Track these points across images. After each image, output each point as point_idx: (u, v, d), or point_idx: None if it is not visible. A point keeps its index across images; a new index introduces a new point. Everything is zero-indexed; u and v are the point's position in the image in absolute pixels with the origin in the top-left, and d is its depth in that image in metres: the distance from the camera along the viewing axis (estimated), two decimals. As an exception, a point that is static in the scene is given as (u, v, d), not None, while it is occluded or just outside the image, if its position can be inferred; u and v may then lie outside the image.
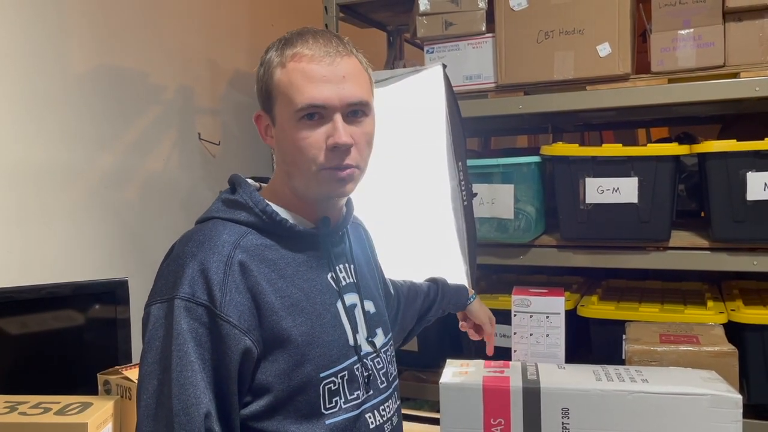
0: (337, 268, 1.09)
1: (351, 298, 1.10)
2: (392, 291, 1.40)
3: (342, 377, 1.03)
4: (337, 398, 1.02)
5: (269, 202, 1.04)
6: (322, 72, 0.99)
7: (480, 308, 1.58)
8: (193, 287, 0.94)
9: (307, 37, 1.01)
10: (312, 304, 1.02)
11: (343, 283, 1.09)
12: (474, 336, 1.60)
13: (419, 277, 1.58)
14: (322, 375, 1.00)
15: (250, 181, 1.10)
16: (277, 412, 0.98)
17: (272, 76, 1.02)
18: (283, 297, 0.99)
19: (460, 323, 1.61)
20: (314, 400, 0.99)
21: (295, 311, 0.99)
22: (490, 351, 1.59)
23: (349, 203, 1.17)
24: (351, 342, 1.06)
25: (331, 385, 1.02)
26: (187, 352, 0.92)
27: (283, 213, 1.05)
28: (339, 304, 1.07)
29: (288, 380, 0.97)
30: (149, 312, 0.97)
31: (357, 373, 1.06)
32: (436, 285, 1.52)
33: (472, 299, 1.56)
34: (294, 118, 1.00)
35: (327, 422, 1.00)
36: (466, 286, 1.59)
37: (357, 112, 1.02)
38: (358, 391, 1.05)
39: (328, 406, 1.01)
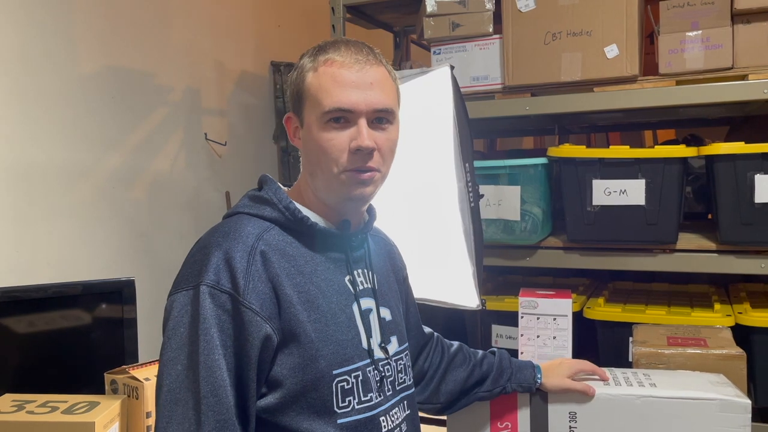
0: (356, 272, 1.10)
1: (367, 303, 1.11)
2: (426, 331, 1.37)
3: (356, 377, 1.04)
4: (351, 398, 1.03)
5: (293, 200, 1.07)
6: (351, 77, 1.03)
7: (556, 379, 1.35)
8: (218, 275, 0.96)
9: (340, 45, 1.06)
10: (328, 303, 1.04)
11: (360, 287, 1.10)
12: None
13: (426, 278, 1.58)
14: (335, 372, 1.01)
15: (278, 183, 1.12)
16: (290, 407, 0.99)
17: (304, 79, 1.06)
18: (300, 292, 1.01)
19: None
20: (327, 397, 1.00)
21: (310, 307, 1.01)
22: (604, 377, 1.38)
23: (371, 211, 1.19)
24: (364, 345, 1.07)
25: (345, 383, 1.02)
26: (213, 336, 0.94)
27: (305, 211, 1.07)
28: (354, 307, 1.08)
29: (302, 374, 0.99)
30: (174, 300, 0.98)
31: (370, 375, 1.06)
32: (494, 356, 1.39)
33: (539, 377, 1.35)
34: (321, 120, 1.03)
35: (339, 421, 1.01)
36: (532, 361, 1.40)
37: (382, 119, 1.05)
38: (372, 394, 1.06)
39: (341, 405, 1.02)
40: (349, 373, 1.03)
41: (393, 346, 1.14)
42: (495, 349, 1.42)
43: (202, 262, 0.98)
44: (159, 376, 0.97)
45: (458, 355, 1.38)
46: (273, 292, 0.98)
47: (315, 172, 1.06)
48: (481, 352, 1.40)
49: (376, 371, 1.07)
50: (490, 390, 1.35)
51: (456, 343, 1.41)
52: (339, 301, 1.05)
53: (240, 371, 0.96)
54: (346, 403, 1.02)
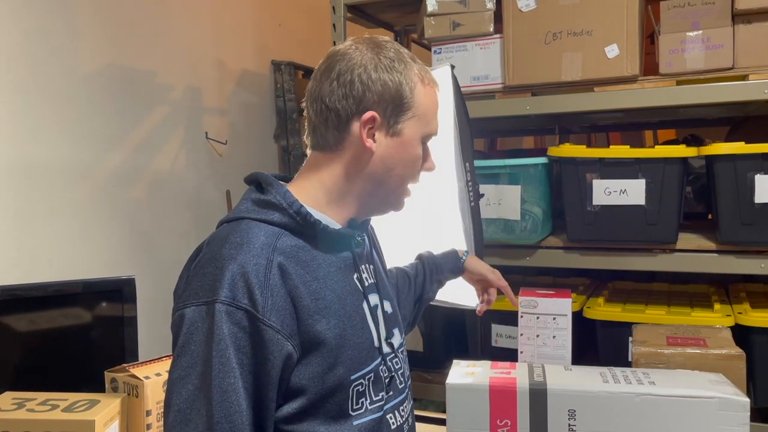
0: (361, 268, 1.09)
1: (373, 299, 1.10)
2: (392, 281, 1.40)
3: (369, 378, 1.03)
4: (363, 399, 1.02)
5: (302, 203, 1.02)
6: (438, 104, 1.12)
7: (477, 262, 1.52)
8: (234, 291, 0.91)
9: (416, 60, 1.09)
10: (343, 306, 1.01)
11: (366, 283, 1.09)
12: (485, 303, 1.54)
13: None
14: (353, 377, 1.00)
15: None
16: (308, 414, 0.97)
17: (413, 90, 1.05)
18: (317, 299, 0.98)
19: (478, 301, 1.55)
20: (343, 401, 0.99)
21: (328, 313, 0.99)
22: (514, 303, 1.57)
23: None
24: (376, 343, 1.06)
25: (359, 386, 1.02)
26: (228, 358, 0.90)
27: (316, 215, 1.03)
28: (365, 305, 1.07)
29: (321, 383, 0.97)
30: (183, 314, 0.93)
31: (381, 374, 1.06)
32: (420, 260, 1.50)
33: (464, 257, 1.51)
34: (421, 139, 1.08)
35: (354, 423, 1.00)
36: (455, 248, 1.54)
37: None
38: (382, 392, 1.06)
39: (355, 407, 1.01)
40: (364, 376, 1.02)
41: (396, 339, 1.14)
42: (421, 253, 1.52)
43: (215, 275, 0.92)
44: (168, 394, 0.93)
45: (399, 280, 1.44)
46: (292, 306, 0.94)
47: (387, 181, 1.06)
48: (410, 265, 1.49)
49: (385, 368, 1.07)
50: (430, 290, 1.48)
51: (394, 269, 1.46)
52: (352, 301, 1.04)
53: (258, 391, 0.92)
54: (359, 405, 1.02)
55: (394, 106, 1.02)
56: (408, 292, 1.44)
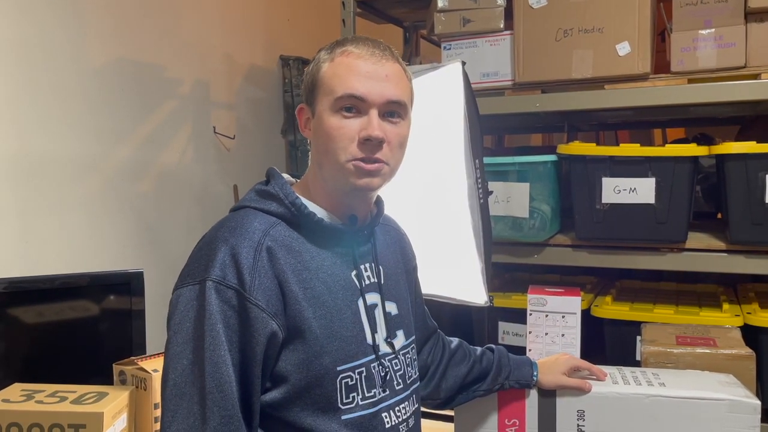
0: (362, 267, 1.10)
1: (372, 298, 1.10)
2: (430, 324, 1.37)
3: (360, 373, 1.04)
4: (354, 394, 1.03)
5: (299, 196, 1.07)
6: (366, 68, 1.03)
7: (550, 376, 1.36)
8: (224, 270, 0.96)
9: (358, 40, 1.07)
10: (333, 299, 1.04)
11: (366, 282, 1.10)
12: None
13: (434, 274, 1.58)
14: (339, 368, 1.02)
15: (285, 175, 1.12)
16: (295, 403, 1.00)
17: (319, 69, 1.06)
18: (306, 288, 1.01)
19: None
20: (331, 393, 1.01)
21: (316, 303, 1.01)
22: (600, 377, 1.38)
23: (380, 204, 1.18)
24: (369, 341, 1.07)
25: (348, 380, 1.03)
26: (219, 332, 0.94)
27: (311, 207, 1.07)
28: (360, 302, 1.08)
29: (306, 371, 0.99)
30: (179, 294, 0.99)
31: (374, 371, 1.07)
32: (492, 353, 1.39)
33: (536, 375, 1.36)
34: (332, 108, 1.03)
35: (343, 417, 1.02)
36: (530, 358, 1.41)
37: (393, 112, 1.06)
38: (375, 390, 1.06)
39: (344, 401, 1.02)
40: (353, 369, 1.03)
41: (399, 341, 1.14)
42: (493, 346, 1.42)
43: (209, 257, 0.98)
44: (164, 371, 0.97)
45: (458, 352, 1.38)
46: (279, 289, 0.98)
47: (323, 162, 1.06)
48: (479, 349, 1.40)
49: (380, 367, 1.07)
50: (489, 388, 1.36)
51: (455, 340, 1.41)
52: (345, 296, 1.05)
53: (244, 367, 0.96)
54: (350, 399, 1.03)
55: (309, 93, 1.08)
56: (459, 366, 1.35)
